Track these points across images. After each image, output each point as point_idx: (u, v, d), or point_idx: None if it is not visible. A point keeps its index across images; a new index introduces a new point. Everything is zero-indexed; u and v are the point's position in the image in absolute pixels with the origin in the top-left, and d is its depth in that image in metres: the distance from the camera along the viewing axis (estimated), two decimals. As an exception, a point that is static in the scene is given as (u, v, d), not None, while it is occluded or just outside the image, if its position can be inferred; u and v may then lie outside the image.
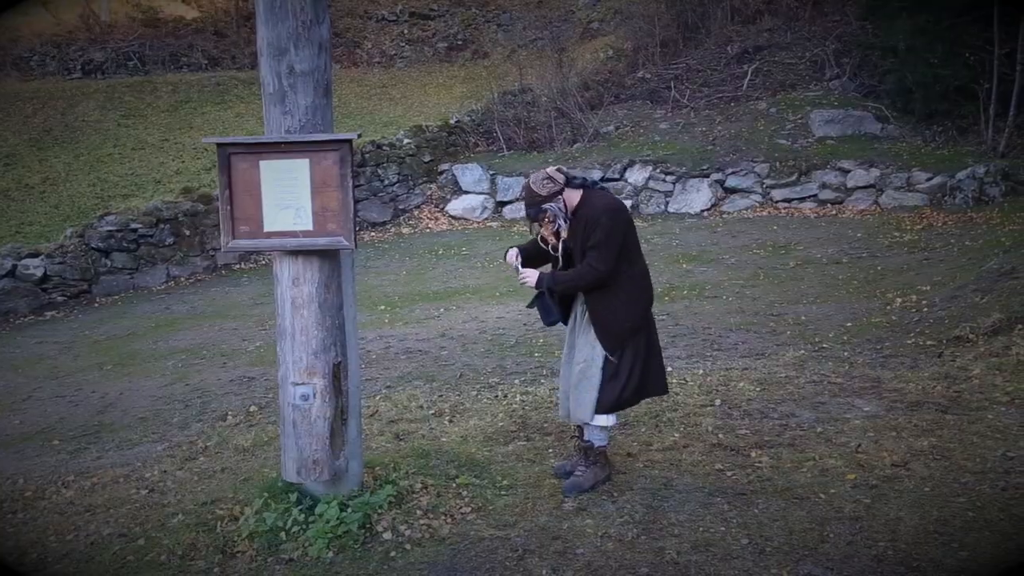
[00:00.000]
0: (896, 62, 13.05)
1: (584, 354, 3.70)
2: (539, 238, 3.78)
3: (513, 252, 3.83)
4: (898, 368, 5.42)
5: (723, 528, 3.40)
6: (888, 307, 7.04)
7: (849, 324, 6.68)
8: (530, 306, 3.83)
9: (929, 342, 5.90)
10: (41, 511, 4.23)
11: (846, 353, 5.90)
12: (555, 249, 3.75)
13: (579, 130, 14.40)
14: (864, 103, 13.53)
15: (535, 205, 3.66)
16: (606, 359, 3.66)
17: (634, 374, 3.69)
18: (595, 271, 3.58)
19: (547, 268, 3.84)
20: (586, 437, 3.80)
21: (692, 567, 3.14)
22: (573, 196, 3.68)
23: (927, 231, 10.02)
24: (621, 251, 3.59)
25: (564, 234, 3.70)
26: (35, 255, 10.29)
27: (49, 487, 4.58)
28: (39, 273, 10.19)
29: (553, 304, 3.74)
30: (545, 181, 3.64)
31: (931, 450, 4.01)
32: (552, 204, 3.64)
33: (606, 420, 3.74)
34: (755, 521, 3.45)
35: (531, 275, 3.74)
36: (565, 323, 3.85)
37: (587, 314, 3.71)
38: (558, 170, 3.71)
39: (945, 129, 12.72)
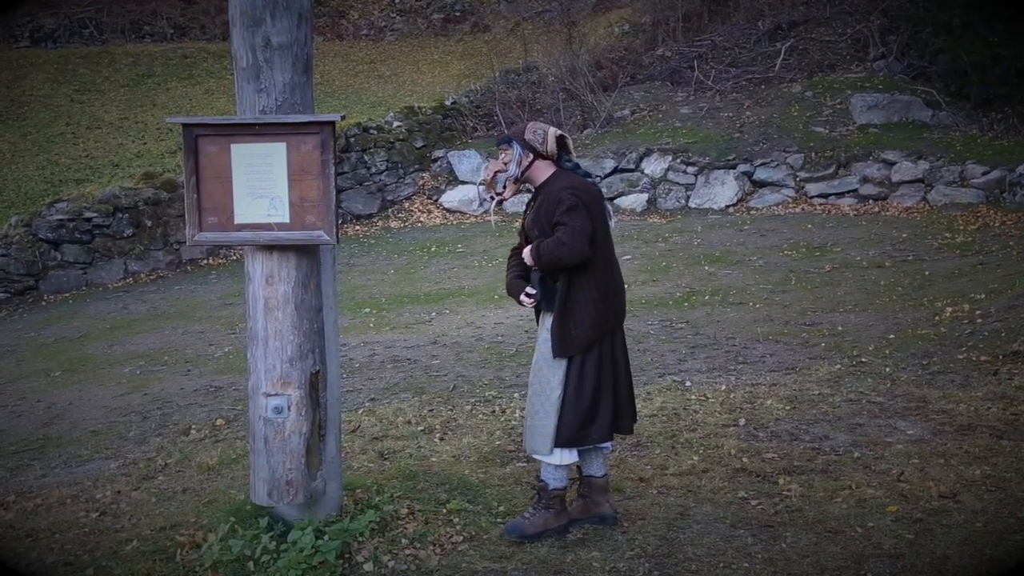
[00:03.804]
0: (950, 40, 13.06)
1: (541, 374, 3.62)
2: (485, 168, 3.77)
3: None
4: (947, 387, 5.43)
5: (746, 564, 3.41)
6: (937, 317, 7.05)
7: (892, 336, 6.69)
8: (535, 298, 3.67)
9: (983, 358, 5.91)
10: (-23, 535, 4.23)
11: (888, 369, 5.91)
12: (490, 189, 3.74)
13: (590, 114, 14.43)
14: (912, 87, 13.55)
15: (509, 139, 3.69)
16: (567, 380, 3.56)
17: (603, 402, 3.58)
18: (562, 245, 3.47)
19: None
20: (541, 475, 3.68)
21: (711, 607, 3.15)
22: (544, 170, 3.66)
23: (982, 232, 10.03)
24: (593, 239, 3.52)
25: (507, 192, 3.69)
26: (-25, 246, 10.33)
27: (-12, 508, 4.58)
28: (-21, 267, 10.23)
29: (546, 284, 3.63)
30: (538, 132, 3.64)
31: (984, 480, 4.01)
32: (519, 149, 3.63)
33: (562, 457, 3.60)
34: (782, 557, 3.45)
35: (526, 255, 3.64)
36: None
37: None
38: (562, 137, 3.67)
39: (1005, 116, 12.73)
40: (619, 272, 3.74)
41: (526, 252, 3.64)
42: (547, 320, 3.64)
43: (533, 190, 3.73)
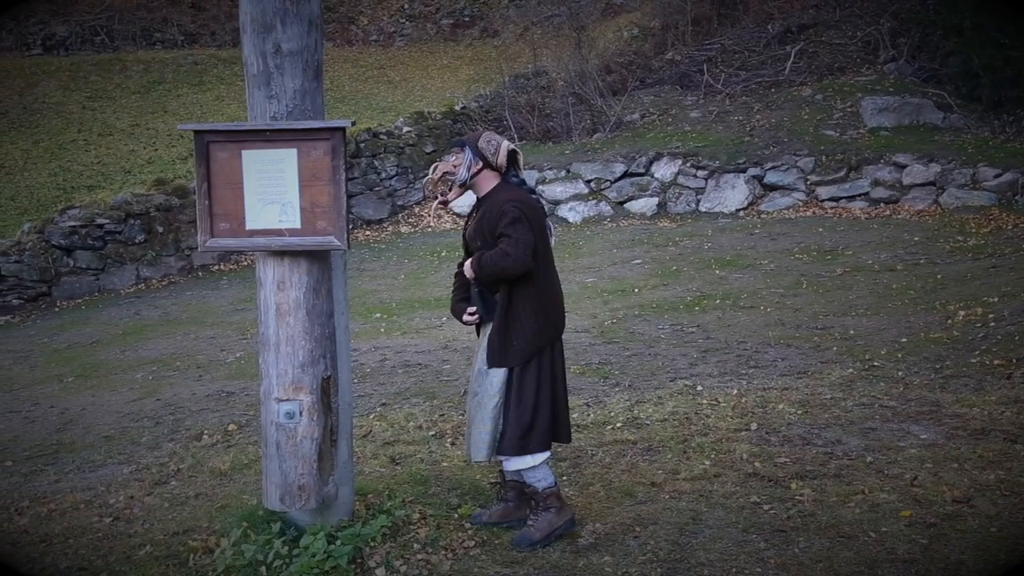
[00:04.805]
0: (961, 42, 13.03)
1: (479, 383, 3.66)
2: (432, 168, 3.78)
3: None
4: (960, 391, 5.40)
5: (759, 569, 3.40)
6: (949, 321, 7.02)
7: (904, 340, 6.66)
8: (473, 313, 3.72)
9: (996, 361, 5.88)
10: (-8, 540, 4.25)
11: (900, 373, 5.88)
12: (436, 188, 3.78)
13: (600, 118, 14.43)
14: (923, 89, 13.50)
15: (462, 142, 3.71)
16: (507, 390, 3.60)
17: (541, 411, 3.62)
18: (506, 256, 3.50)
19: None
20: (527, 482, 3.71)
21: (724, 613, 3.14)
22: (490, 180, 3.67)
23: (995, 235, 9.98)
24: (535, 251, 3.55)
25: (451, 195, 3.73)
26: (-11, 253, 10.40)
27: (0, 514, 4.61)
28: (-7, 273, 10.29)
29: (485, 297, 3.65)
30: (492, 143, 3.66)
31: (998, 484, 3.99)
32: (471, 155, 3.64)
33: (534, 458, 3.63)
34: (795, 562, 3.44)
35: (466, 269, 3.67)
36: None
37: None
38: (514, 152, 3.69)
39: (1017, 119, 12.68)
40: (559, 286, 3.78)
41: (466, 264, 3.65)
42: (487, 329, 3.67)
43: (477, 199, 3.74)
